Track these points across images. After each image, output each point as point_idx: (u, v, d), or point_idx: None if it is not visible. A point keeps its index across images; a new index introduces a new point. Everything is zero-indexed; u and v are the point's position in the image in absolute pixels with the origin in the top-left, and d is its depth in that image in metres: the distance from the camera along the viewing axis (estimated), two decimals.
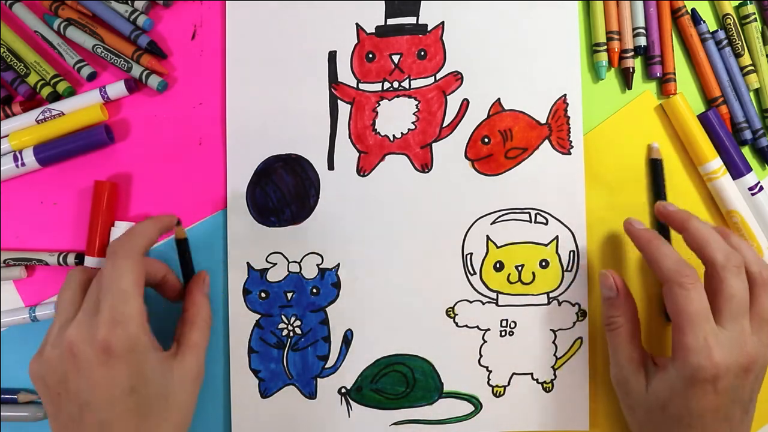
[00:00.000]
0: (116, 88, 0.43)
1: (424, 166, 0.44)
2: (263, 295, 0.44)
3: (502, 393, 0.44)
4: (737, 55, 0.45)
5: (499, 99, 0.44)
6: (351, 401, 0.44)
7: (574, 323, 0.44)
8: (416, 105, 0.44)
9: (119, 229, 0.42)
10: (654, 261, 0.38)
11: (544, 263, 0.44)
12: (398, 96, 0.44)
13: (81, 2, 0.43)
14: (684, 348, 0.35)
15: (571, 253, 0.44)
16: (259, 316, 0.44)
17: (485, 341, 0.44)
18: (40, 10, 0.44)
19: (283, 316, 0.44)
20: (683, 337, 0.36)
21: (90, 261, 0.42)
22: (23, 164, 0.43)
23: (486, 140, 0.44)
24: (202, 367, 0.39)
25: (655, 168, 0.44)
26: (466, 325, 0.44)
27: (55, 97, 0.44)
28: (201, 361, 0.39)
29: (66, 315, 0.36)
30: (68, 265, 0.43)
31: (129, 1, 0.43)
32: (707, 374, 0.35)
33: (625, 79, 0.44)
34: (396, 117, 0.44)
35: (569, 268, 0.44)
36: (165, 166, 0.44)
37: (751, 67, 0.45)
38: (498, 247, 0.44)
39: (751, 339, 0.36)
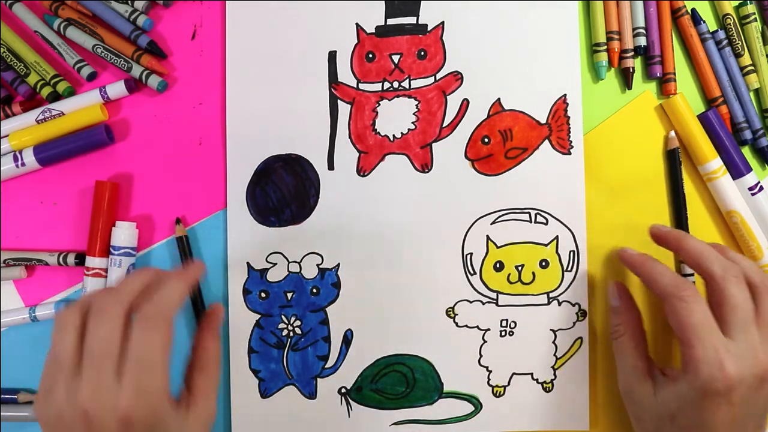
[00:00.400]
0: (116, 88, 0.43)
1: (424, 166, 0.44)
2: (263, 295, 0.44)
3: (502, 393, 0.44)
4: (737, 55, 0.45)
5: (499, 99, 0.44)
6: (351, 401, 0.44)
7: (574, 323, 0.44)
8: (416, 105, 0.44)
9: (120, 229, 0.42)
10: (651, 281, 0.38)
11: (544, 263, 0.44)
12: (398, 96, 0.44)
13: (81, 2, 0.43)
14: (694, 360, 0.35)
15: (571, 253, 0.44)
16: (259, 316, 0.44)
17: (485, 341, 0.44)
18: (40, 10, 0.44)
19: (283, 316, 0.44)
20: (692, 350, 0.35)
21: (91, 261, 0.42)
22: (23, 164, 0.43)
23: (486, 140, 0.44)
24: (215, 409, 0.38)
25: (673, 158, 0.43)
26: (466, 325, 0.44)
27: (55, 97, 0.43)
28: (213, 405, 0.38)
29: (70, 363, 0.33)
30: (68, 265, 0.43)
31: (129, 1, 0.43)
32: (720, 386, 0.34)
33: (625, 79, 0.44)
34: (396, 117, 0.44)
35: (569, 268, 0.44)
36: (165, 166, 0.44)
37: (751, 67, 0.45)
38: (498, 247, 0.44)
39: (762, 348, 0.35)
